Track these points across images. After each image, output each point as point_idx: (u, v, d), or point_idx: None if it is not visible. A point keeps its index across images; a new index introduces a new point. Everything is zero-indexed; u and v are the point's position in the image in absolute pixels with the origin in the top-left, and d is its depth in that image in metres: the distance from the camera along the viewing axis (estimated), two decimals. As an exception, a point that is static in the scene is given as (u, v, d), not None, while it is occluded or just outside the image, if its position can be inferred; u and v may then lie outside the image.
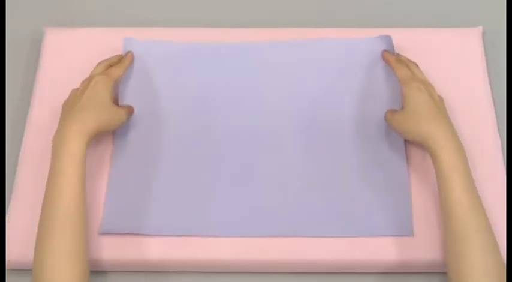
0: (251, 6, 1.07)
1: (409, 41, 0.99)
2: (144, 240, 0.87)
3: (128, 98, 0.95)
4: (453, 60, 0.98)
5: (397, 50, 0.98)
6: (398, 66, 0.93)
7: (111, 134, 0.93)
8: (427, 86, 0.89)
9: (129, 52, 0.97)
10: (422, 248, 0.86)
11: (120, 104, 0.94)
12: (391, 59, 0.95)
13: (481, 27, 1.01)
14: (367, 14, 1.06)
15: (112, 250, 0.86)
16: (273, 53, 0.98)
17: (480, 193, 0.87)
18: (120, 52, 0.98)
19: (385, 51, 0.97)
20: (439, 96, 0.91)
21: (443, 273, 0.85)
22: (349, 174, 0.90)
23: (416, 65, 0.93)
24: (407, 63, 0.93)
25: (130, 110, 0.93)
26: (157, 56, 0.98)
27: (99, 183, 0.90)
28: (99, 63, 0.95)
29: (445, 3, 1.06)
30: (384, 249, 0.86)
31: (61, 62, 0.99)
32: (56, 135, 0.85)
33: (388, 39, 0.97)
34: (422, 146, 0.85)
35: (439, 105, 0.88)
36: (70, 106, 0.88)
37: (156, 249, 0.86)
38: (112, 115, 0.89)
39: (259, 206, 0.88)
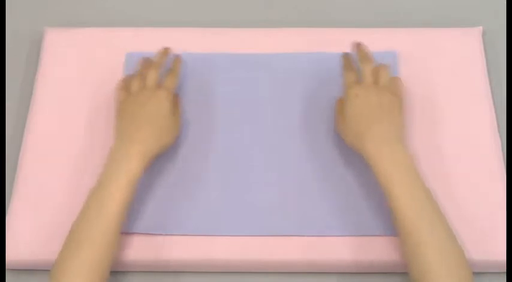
0: (251, 7, 1.07)
1: (409, 41, 0.99)
2: (141, 240, 0.87)
3: None
4: (453, 60, 0.98)
5: (397, 50, 0.98)
6: (344, 72, 0.90)
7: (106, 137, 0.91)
8: (368, 91, 0.86)
9: (177, 56, 0.95)
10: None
11: None
12: (343, 62, 0.92)
13: (481, 27, 1.01)
14: (367, 14, 1.06)
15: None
16: (279, 63, 0.98)
17: (480, 193, 0.88)
18: (119, 52, 0.98)
19: (342, 55, 0.93)
20: (394, 97, 0.87)
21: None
22: (348, 173, 0.90)
23: (368, 62, 0.89)
24: (360, 64, 0.90)
25: (179, 102, 0.92)
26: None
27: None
28: (150, 67, 0.91)
29: (445, 3, 1.06)
30: (383, 249, 0.86)
31: (61, 62, 0.99)
32: (117, 149, 0.83)
33: (392, 54, 0.97)
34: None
35: (375, 111, 0.85)
36: (131, 117, 0.86)
37: (155, 249, 0.86)
38: (173, 136, 0.88)
39: (258, 206, 0.88)
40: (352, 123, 0.85)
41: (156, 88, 0.89)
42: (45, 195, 0.89)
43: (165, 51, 0.95)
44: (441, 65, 0.98)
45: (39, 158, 0.92)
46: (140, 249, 0.86)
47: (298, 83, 0.97)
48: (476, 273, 0.79)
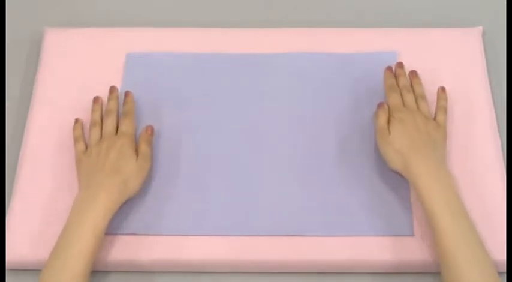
0: (251, 7, 1.07)
1: (409, 41, 0.99)
2: (138, 241, 0.87)
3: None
4: (453, 60, 0.98)
5: (397, 50, 0.98)
6: (389, 93, 0.91)
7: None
8: (414, 116, 0.88)
9: (128, 94, 0.94)
10: (422, 248, 0.86)
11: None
12: (386, 84, 0.93)
13: (481, 27, 1.01)
14: (368, 14, 1.06)
15: (109, 250, 0.86)
16: (277, 63, 0.98)
17: (480, 193, 0.88)
18: (119, 52, 0.98)
19: (386, 70, 0.95)
20: (437, 122, 0.90)
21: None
22: (347, 174, 0.90)
23: (409, 91, 0.92)
24: (401, 88, 0.92)
25: (151, 139, 0.91)
26: (159, 67, 0.98)
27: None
28: (106, 115, 0.91)
29: (445, 3, 1.06)
30: (383, 249, 0.86)
31: (61, 62, 0.99)
32: (83, 200, 0.82)
33: (392, 54, 0.97)
34: (403, 176, 0.85)
35: (424, 136, 0.86)
36: (94, 168, 0.85)
37: (151, 249, 0.86)
38: (138, 182, 0.86)
39: (257, 206, 0.88)
40: (397, 144, 0.85)
41: (115, 137, 0.88)
42: (45, 195, 0.89)
43: (112, 90, 0.94)
44: (441, 65, 0.98)
45: (39, 158, 0.92)
46: (136, 250, 0.86)
47: (299, 83, 0.97)
48: (476, 273, 0.79)
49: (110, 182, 0.84)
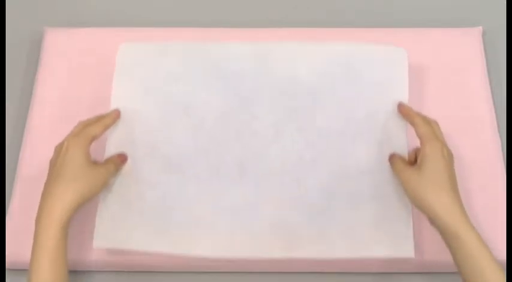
0: (251, 7, 1.07)
1: (409, 41, 0.99)
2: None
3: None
4: (453, 60, 0.98)
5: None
6: (420, 122, 0.84)
7: (105, 140, 0.89)
8: (448, 151, 0.82)
9: (115, 110, 0.89)
10: (422, 248, 0.86)
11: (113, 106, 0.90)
12: (411, 113, 0.86)
13: (481, 27, 1.01)
14: (368, 14, 1.06)
15: (111, 250, 0.86)
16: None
17: (480, 193, 0.88)
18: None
19: (402, 105, 0.88)
20: (450, 155, 0.83)
21: (444, 274, 0.85)
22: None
23: (438, 126, 0.85)
24: (429, 122, 0.85)
25: (121, 160, 0.87)
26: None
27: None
28: (78, 123, 0.86)
29: (445, 3, 1.06)
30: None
31: (61, 62, 0.99)
32: (36, 216, 0.79)
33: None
34: (434, 220, 0.78)
35: (454, 174, 0.81)
36: (47, 179, 0.82)
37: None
38: (93, 179, 0.81)
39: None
40: (441, 185, 0.79)
41: (65, 139, 0.84)
42: (45, 195, 0.89)
43: (111, 113, 0.89)
44: (441, 65, 0.98)
45: (39, 158, 0.92)
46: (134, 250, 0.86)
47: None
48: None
49: (57, 187, 0.80)
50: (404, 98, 0.89)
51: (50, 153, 0.91)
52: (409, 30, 1.01)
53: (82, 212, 0.83)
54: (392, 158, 0.85)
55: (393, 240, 0.84)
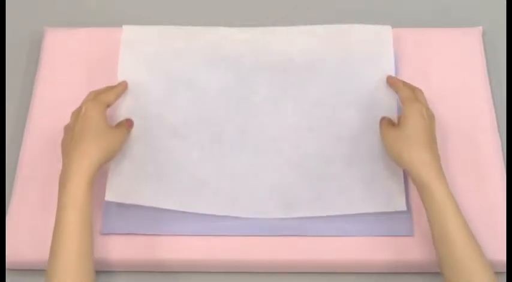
0: (251, 7, 1.07)
1: (409, 41, 0.99)
2: (140, 240, 0.87)
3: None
4: (453, 60, 0.98)
5: (397, 50, 0.98)
6: (402, 87, 0.89)
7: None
8: (428, 112, 0.86)
9: (123, 81, 0.93)
10: (422, 248, 0.86)
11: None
12: (397, 81, 0.91)
13: (481, 27, 1.01)
14: (368, 13, 1.05)
15: (116, 250, 0.86)
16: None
17: (480, 193, 0.88)
18: (119, 52, 0.98)
19: (389, 76, 0.93)
20: (431, 116, 0.87)
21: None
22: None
23: (421, 92, 0.89)
24: (413, 88, 0.90)
25: (129, 124, 0.90)
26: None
27: (101, 181, 0.89)
28: (89, 93, 0.89)
29: (445, 3, 1.06)
30: (384, 249, 0.86)
31: (61, 62, 0.99)
32: (60, 176, 0.81)
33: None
34: (410, 173, 0.82)
35: (434, 134, 0.85)
36: (67, 143, 0.84)
37: (154, 248, 0.86)
38: (113, 138, 0.85)
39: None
40: (417, 140, 0.83)
41: (82, 103, 0.87)
42: (45, 195, 0.89)
43: (119, 84, 0.93)
44: (441, 65, 0.98)
45: (39, 158, 0.92)
46: (141, 249, 0.86)
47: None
48: (476, 273, 0.79)
49: (81, 146, 0.82)
50: (391, 70, 0.94)
51: (50, 154, 0.91)
52: (410, 30, 1.01)
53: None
54: (381, 120, 0.90)
55: (386, 196, 0.87)
